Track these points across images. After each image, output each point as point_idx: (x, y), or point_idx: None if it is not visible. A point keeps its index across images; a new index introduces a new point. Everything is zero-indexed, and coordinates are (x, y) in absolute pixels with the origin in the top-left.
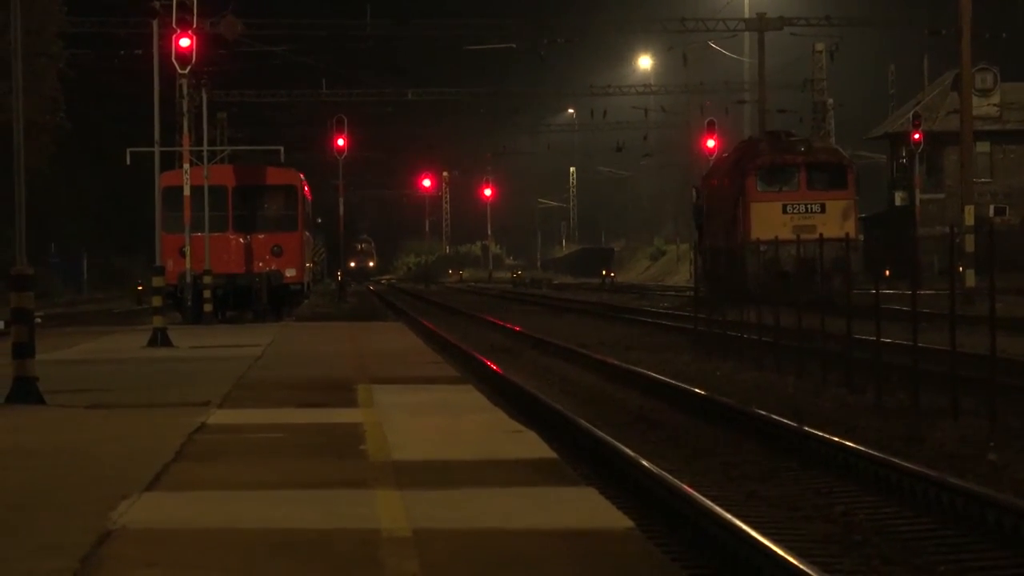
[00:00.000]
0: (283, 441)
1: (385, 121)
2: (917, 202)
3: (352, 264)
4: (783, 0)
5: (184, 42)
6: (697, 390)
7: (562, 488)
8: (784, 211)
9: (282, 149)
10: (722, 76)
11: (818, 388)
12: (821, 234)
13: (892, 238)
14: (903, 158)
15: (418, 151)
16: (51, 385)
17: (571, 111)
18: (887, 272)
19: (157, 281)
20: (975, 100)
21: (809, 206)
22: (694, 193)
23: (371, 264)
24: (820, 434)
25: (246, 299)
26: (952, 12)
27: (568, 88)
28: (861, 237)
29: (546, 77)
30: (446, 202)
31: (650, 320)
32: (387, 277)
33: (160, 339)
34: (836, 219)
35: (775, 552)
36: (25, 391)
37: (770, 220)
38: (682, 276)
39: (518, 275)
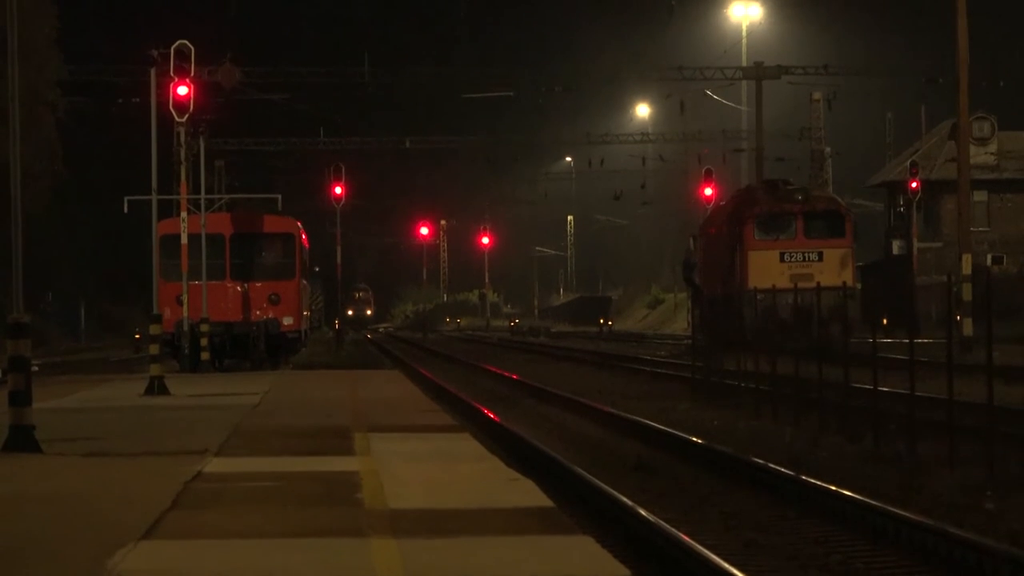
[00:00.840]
0: (280, 490)
1: (383, 169)
2: (915, 251)
3: (350, 312)
4: (781, 49)
5: (182, 90)
6: (695, 439)
7: (559, 537)
8: (781, 259)
9: (280, 197)
10: (720, 124)
11: (816, 437)
12: (819, 282)
13: (889, 287)
14: (900, 206)
15: (416, 199)
16: (48, 433)
17: (569, 159)
18: (885, 320)
19: (154, 329)
20: (973, 149)
21: (806, 254)
22: (691, 241)
23: (369, 312)
24: (817, 483)
25: (243, 347)
26: (949, 61)
27: (566, 136)
28: (858, 285)
29: (544, 125)
30: (444, 250)
31: (648, 368)
32: (385, 325)
33: (157, 387)
34: (834, 267)
35: None
36: (22, 439)
37: (767, 268)
38: (680, 324)
39: (516, 323)
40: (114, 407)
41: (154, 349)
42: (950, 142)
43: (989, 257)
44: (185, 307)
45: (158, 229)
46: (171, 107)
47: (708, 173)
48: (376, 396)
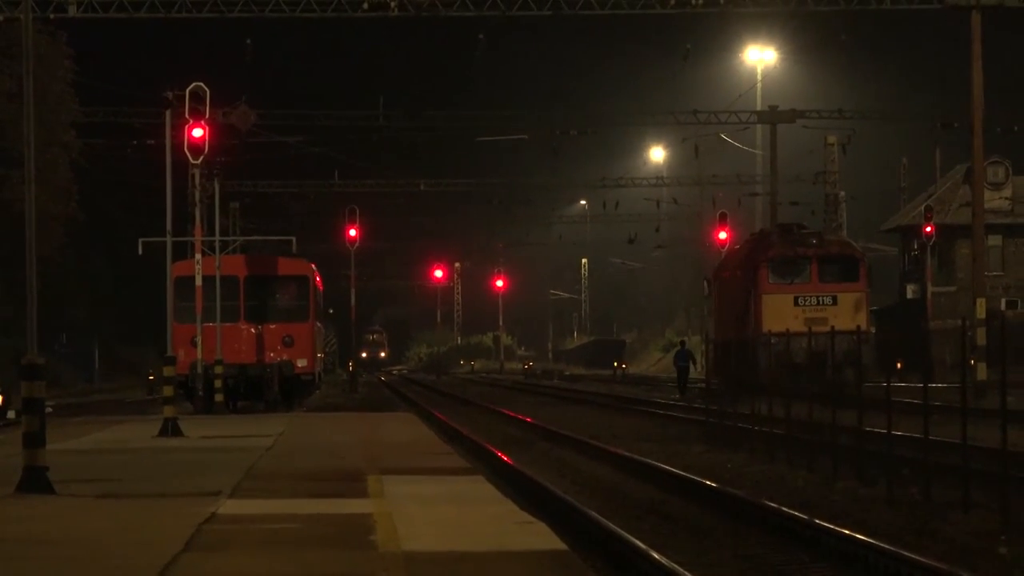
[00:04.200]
0: (293, 532)
1: (397, 212)
2: (929, 295)
3: (364, 354)
4: (795, 93)
5: (197, 132)
6: (708, 482)
7: None
8: (796, 303)
9: (294, 239)
10: (734, 168)
11: (829, 481)
12: (833, 326)
13: (904, 331)
14: (915, 251)
15: (430, 242)
16: (61, 475)
17: (583, 202)
18: (899, 365)
19: (168, 371)
20: (987, 193)
21: (821, 298)
22: (705, 286)
23: (383, 354)
24: (831, 527)
25: (257, 389)
26: (964, 105)
27: (580, 180)
28: (872, 330)
29: (558, 169)
30: (458, 293)
31: (661, 412)
32: (399, 368)
33: (171, 429)
34: (848, 311)
35: None
36: (35, 480)
37: (782, 312)
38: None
39: (529, 366)
40: (128, 448)
41: (168, 391)
42: (964, 186)
43: (1003, 301)
44: (199, 349)
45: (172, 271)
46: (186, 149)
47: (723, 217)
48: (390, 439)
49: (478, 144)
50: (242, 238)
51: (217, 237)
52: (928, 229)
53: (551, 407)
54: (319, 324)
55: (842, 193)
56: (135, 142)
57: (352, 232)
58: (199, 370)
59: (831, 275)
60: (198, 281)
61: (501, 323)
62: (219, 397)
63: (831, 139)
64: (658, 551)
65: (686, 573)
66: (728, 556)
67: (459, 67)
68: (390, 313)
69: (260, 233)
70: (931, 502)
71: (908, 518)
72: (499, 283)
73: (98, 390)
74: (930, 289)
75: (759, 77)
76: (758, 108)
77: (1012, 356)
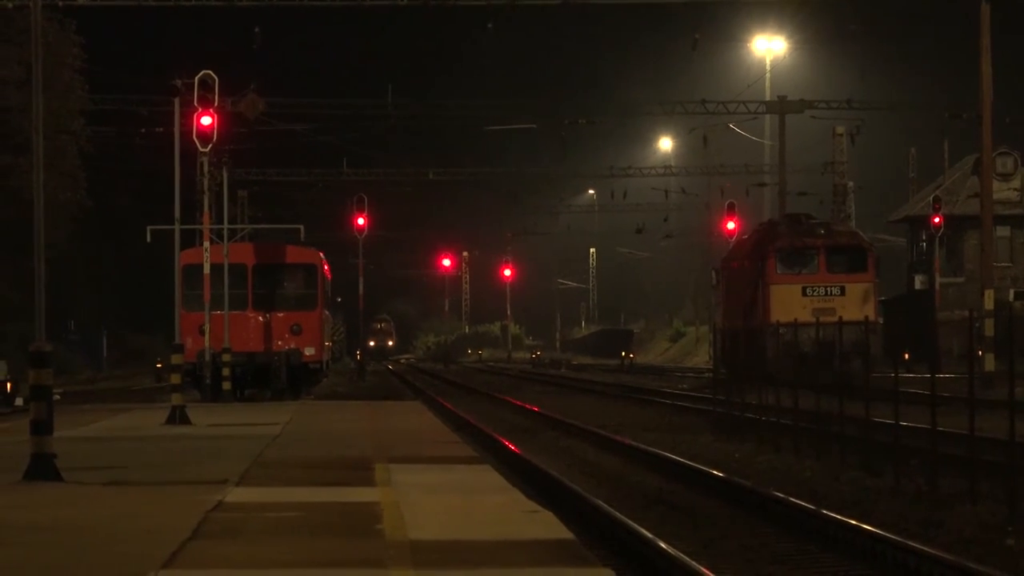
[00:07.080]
0: (300, 520)
1: (406, 200)
2: (937, 286)
3: (371, 343)
4: (804, 83)
5: (205, 120)
6: (716, 472)
7: (579, 569)
8: (804, 293)
9: (302, 228)
10: (742, 158)
11: (836, 471)
12: (840, 316)
13: (911, 321)
14: (923, 241)
15: (438, 230)
16: (69, 462)
17: (591, 192)
18: (906, 355)
19: (176, 359)
20: (996, 184)
21: (829, 289)
22: (713, 276)
23: (390, 343)
24: (838, 517)
25: (265, 377)
26: (973, 94)
27: (589, 169)
28: (880, 320)
29: (567, 158)
30: (466, 282)
31: (669, 402)
32: (406, 356)
33: (179, 417)
34: (856, 302)
35: None
36: (43, 468)
37: (789, 302)
38: (701, 358)
39: (537, 355)
40: (135, 436)
41: (176, 379)
42: (973, 177)
43: (1012, 292)
44: (207, 337)
45: (180, 259)
46: (195, 137)
47: (731, 207)
48: (397, 427)
49: (486, 133)
50: (250, 226)
51: (225, 225)
52: (936, 220)
53: (558, 396)
54: (327, 312)
55: (850, 183)
56: (143, 130)
57: (360, 221)
58: (207, 358)
59: (839, 265)
60: (206, 269)
61: (509, 312)
62: (226, 385)
63: (840, 129)
64: (664, 540)
65: (693, 563)
66: (735, 546)
67: (468, 56)
68: (398, 302)
69: (268, 221)
70: (938, 493)
71: (915, 509)
72: (507, 272)
73: (106, 378)
74: (938, 280)
75: (768, 67)
76: (767, 98)
77: (1020, 347)
